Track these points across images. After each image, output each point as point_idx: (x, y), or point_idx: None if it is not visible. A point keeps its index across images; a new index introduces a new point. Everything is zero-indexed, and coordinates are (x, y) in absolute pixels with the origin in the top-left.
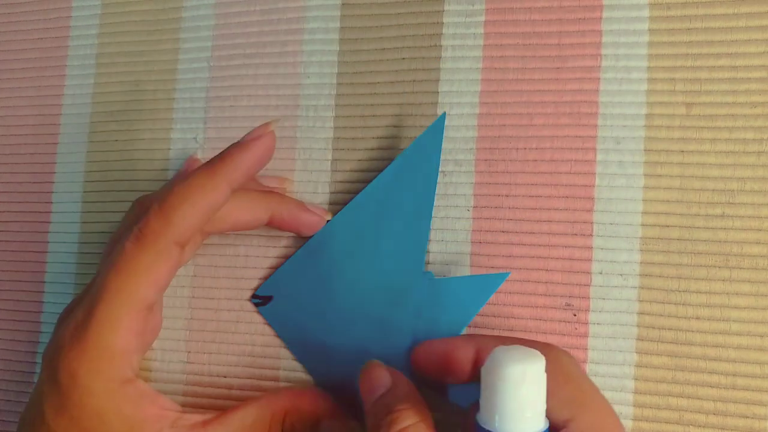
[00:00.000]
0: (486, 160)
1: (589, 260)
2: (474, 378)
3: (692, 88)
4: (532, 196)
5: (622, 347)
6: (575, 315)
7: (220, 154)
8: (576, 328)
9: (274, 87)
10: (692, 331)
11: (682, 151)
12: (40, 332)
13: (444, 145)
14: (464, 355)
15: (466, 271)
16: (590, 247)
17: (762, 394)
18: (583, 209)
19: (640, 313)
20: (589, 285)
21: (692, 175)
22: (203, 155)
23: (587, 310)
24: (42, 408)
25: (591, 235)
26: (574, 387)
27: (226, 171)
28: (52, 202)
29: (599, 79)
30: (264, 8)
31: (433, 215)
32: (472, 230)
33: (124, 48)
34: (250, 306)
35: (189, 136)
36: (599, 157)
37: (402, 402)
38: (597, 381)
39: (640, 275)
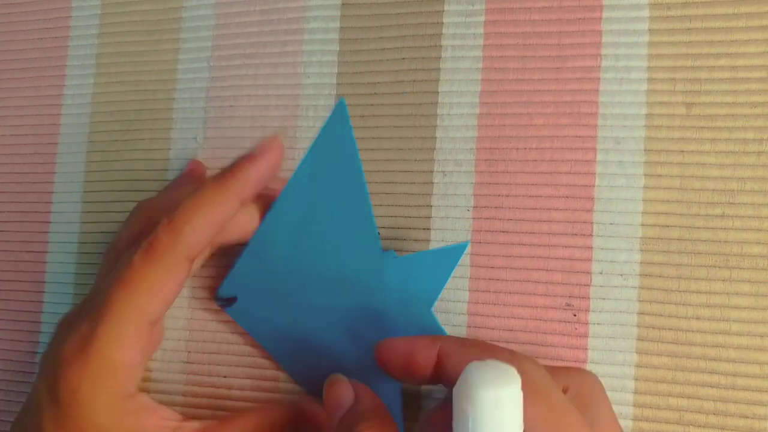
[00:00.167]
0: (486, 160)
1: (589, 260)
2: (434, 381)
3: (692, 88)
4: (532, 196)
5: (622, 347)
6: (575, 315)
7: (229, 167)
8: (576, 328)
9: (274, 87)
10: (692, 331)
11: (682, 151)
12: (40, 332)
13: (444, 145)
14: (425, 358)
15: (466, 271)
16: (590, 247)
17: (762, 394)
18: (583, 209)
19: (640, 313)
20: (589, 285)
21: (692, 175)
22: (203, 155)
23: (587, 310)
24: (40, 420)
25: (591, 235)
26: (546, 406)
27: (236, 184)
28: (52, 202)
29: (599, 79)
30: (264, 8)
31: (432, 215)
32: (472, 230)
33: (124, 48)
34: None
35: (189, 136)
36: (599, 157)
37: (364, 419)
38: None
39: (640, 275)
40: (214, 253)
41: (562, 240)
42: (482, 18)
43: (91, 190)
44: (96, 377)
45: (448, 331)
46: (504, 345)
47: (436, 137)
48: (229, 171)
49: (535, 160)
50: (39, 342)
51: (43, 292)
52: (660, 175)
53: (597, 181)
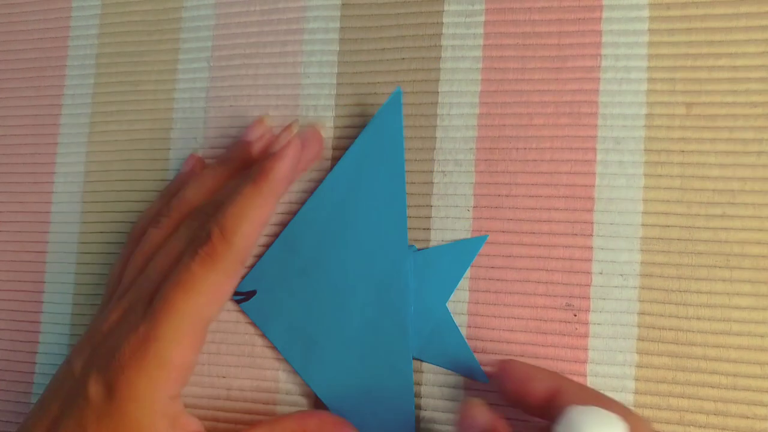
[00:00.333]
0: (486, 160)
1: (590, 260)
2: (540, 413)
3: (692, 88)
4: (532, 196)
5: (622, 347)
6: (575, 315)
7: (258, 167)
8: (576, 329)
9: (274, 87)
10: (693, 332)
11: (683, 151)
12: (40, 332)
13: (444, 145)
14: (542, 389)
15: (466, 272)
16: (590, 247)
17: (763, 394)
18: (583, 209)
19: (641, 313)
20: (589, 285)
21: (692, 175)
22: (203, 155)
23: (587, 310)
24: (82, 414)
25: (591, 235)
26: None
27: (271, 185)
28: (52, 202)
29: (599, 79)
30: (264, 8)
31: (432, 215)
32: (472, 230)
33: (124, 48)
34: None
35: (189, 136)
36: (599, 157)
37: None
38: (597, 381)
39: (640, 275)
40: None
41: (563, 240)
42: (482, 18)
43: (91, 190)
44: (154, 375)
45: None
46: (504, 345)
47: (436, 137)
48: (261, 173)
49: (535, 160)
50: (39, 342)
51: (43, 292)
52: (660, 175)
53: (597, 181)
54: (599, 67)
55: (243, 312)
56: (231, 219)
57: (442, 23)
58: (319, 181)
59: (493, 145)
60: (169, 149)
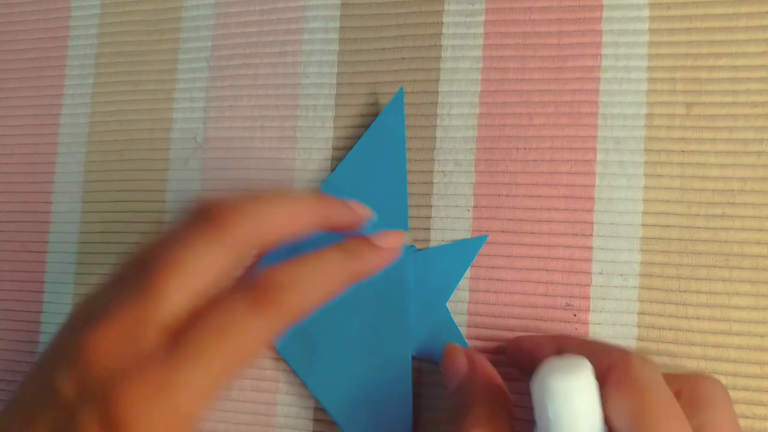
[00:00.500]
0: (486, 160)
1: (589, 260)
2: None
3: (692, 88)
4: (532, 196)
5: None
6: (575, 315)
7: (358, 246)
8: (576, 328)
9: (274, 87)
10: (692, 331)
11: (683, 151)
12: (40, 332)
13: (444, 145)
14: (546, 355)
15: (466, 272)
16: (590, 247)
17: (762, 394)
18: (583, 209)
19: (641, 313)
20: (589, 285)
21: (692, 175)
22: (203, 155)
23: (587, 310)
24: None
25: (591, 235)
26: (638, 398)
27: (363, 272)
28: (52, 202)
29: (599, 79)
30: (264, 8)
31: (432, 215)
32: (472, 230)
33: (124, 48)
34: None
35: (189, 136)
36: (599, 157)
37: (474, 393)
38: None
39: (640, 275)
40: None
41: (563, 240)
42: (482, 18)
43: (91, 190)
44: (161, 425)
45: None
46: (504, 345)
47: (436, 137)
48: (361, 256)
49: (535, 160)
50: (39, 342)
51: (43, 292)
52: (660, 175)
53: (597, 181)
54: (599, 67)
55: None
56: (309, 279)
57: (442, 23)
58: (321, 181)
59: (493, 145)
60: (169, 149)
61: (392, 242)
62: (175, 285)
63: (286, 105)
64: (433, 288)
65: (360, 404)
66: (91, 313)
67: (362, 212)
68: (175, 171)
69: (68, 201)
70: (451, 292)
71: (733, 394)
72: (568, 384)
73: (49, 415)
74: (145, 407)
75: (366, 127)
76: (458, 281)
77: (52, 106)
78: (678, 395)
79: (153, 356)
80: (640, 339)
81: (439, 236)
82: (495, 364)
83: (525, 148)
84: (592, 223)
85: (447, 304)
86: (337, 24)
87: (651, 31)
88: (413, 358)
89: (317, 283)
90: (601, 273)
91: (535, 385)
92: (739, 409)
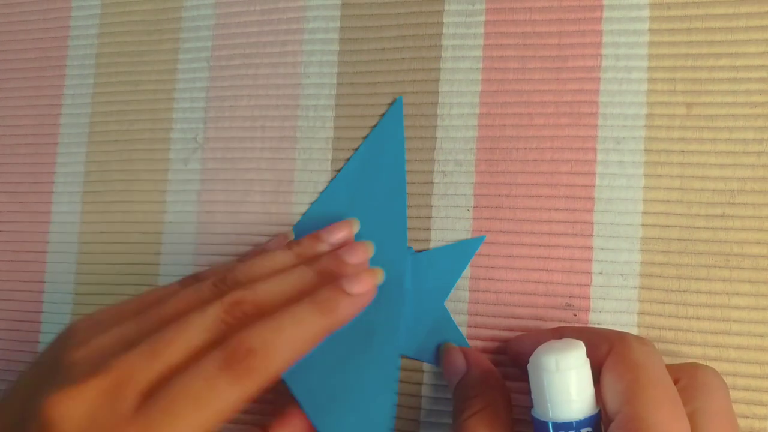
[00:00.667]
0: (486, 160)
1: (590, 260)
2: None
3: (692, 88)
4: (532, 196)
5: None
6: (575, 315)
7: (328, 295)
8: None
9: (274, 87)
10: (692, 331)
11: (683, 151)
12: (40, 332)
13: (444, 145)
14: None
15: (466, 271)
16: (590, 247)
17: (762, 394)
18: (583, 209)
19: (641, 313)
20: (589, 285)
21: (692, 175)
22: (203, 155)
23: (587, 310)
24: None
25: (591, 235)
26: (632, 377)
27: (334, 322)
28: (52, 202)
29: (599, 79)
30: (264, 8)
31: (432, 215)
32: (472, 230)
33: (124, 48)
34: None
35: (189, 136)
36: (599, 157)
37: (472, 388)
38: None
39: (640, 275)
40: None
41: (563, 240)
42: (482, 18)
43: (91, 190)
44: None
45: None
46: (504, 345)
47: (436, 137)
48: (332, 308)
49: (536, 160)
50: (39, 342)
51: (43, 292)
52: (660, 175)
53: (597, 181)
54: (599, 67)
55: None
56: (281, 342)
57: (442, 23)
58: (320, 182)
59: (493, 145)
60: (169, 149)
61: (366, 285)
62: (177, 354)
63: (286, 105)
64: (430, 289)
65: (339, 402)
66: (83, 342)
67: (348, 233)
68: (175, 171)
69: (68, 201)
70: (449, 292)
71: (733, 394)
72: (560, 360)
73: None
74: None
75: (366, 126)
76: (455, 281)
77: (52, 106)
78: (676, 383)
79: (125, 416)
80: None
81: (439, 236)
82: (495, 364)
83: (525, 148)
84: (592, 223)
85: (447, 304)
86: (338, 24)
87: (651, 31)
88: (414, 359)
89: (290, 344)
90: (601, 273)
91: (531, 364)
92: (739, 409)
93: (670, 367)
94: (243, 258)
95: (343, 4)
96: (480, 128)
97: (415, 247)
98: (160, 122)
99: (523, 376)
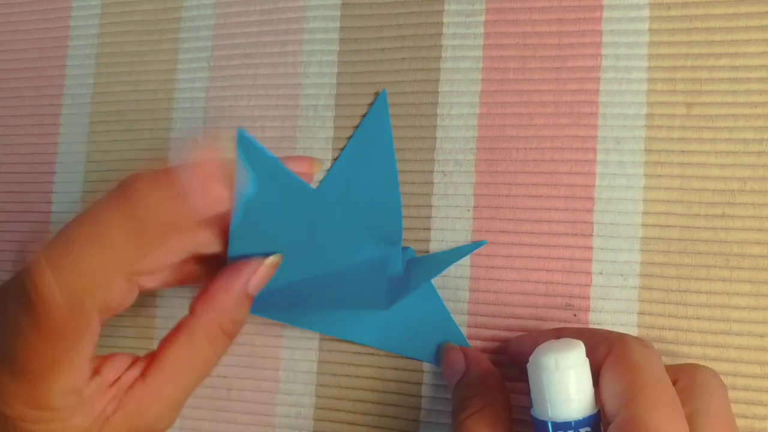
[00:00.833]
0: (486, 160)
1: (590, 260)
2: None
3: (692, 88)
4: (532, 196)
5: None
6: (575, 315)
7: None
8: None
9: (274, 87)
10: (692, 331)
11: (683, 151)
12: None
13: (444, 145)
14: None
15: (466, 271)
16: (590, 247)
17: (762, 394)
18: (583, 209)
19: (641, 313)
20: (589, 285)
21: (692, 175)
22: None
23: (587, 310)
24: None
25: (591, 235)
26: (631, 379)
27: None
28: (52, 202)
29: (599, 79)
30: (264, 8)
31: (432, 215)
32: (472, 230)
33: (124, 48)
34: None
35: (189, 136)
36: (599, 157)
37: (472, 388)
38: None
39: (640, 275)
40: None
41: (563, 240)
42: (482, 18)
43: (91, 190)
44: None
45: None
46: (504, 345)
47: (436, 137)
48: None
49: (536, 160)
50: None
51: None
52: (660, 175)
53: (597, 181)
54: (599, 67)
55: None
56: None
57: (442, 23)
58: (320, 182)
59: (493, 145)
60: (169, 149)
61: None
62: None
63: (286, 105)
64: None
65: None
66: None
67: None
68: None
69: (68, 201)
70: (436, 274)
71: (733, 394)
72: (559, 360)
73: None
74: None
75: None
76: (443, 269)
77: (52, 106)
78: (675, 383)
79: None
80: None
81: (439, 236)
82: (495, 364)
83: (525, 148)
84: (592, 223)
85: (447, 305)
86: (338, 24)
87: (651, 31)
88: (414, 359)
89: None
90: (601, 273)
91: (530, 364)
92: (739, 409)
93: (669, 368)
94: None
95: (343, 4)
96: (480, 128)
97: (415, 247)
98: (160, 122)
99: (522, 376)
